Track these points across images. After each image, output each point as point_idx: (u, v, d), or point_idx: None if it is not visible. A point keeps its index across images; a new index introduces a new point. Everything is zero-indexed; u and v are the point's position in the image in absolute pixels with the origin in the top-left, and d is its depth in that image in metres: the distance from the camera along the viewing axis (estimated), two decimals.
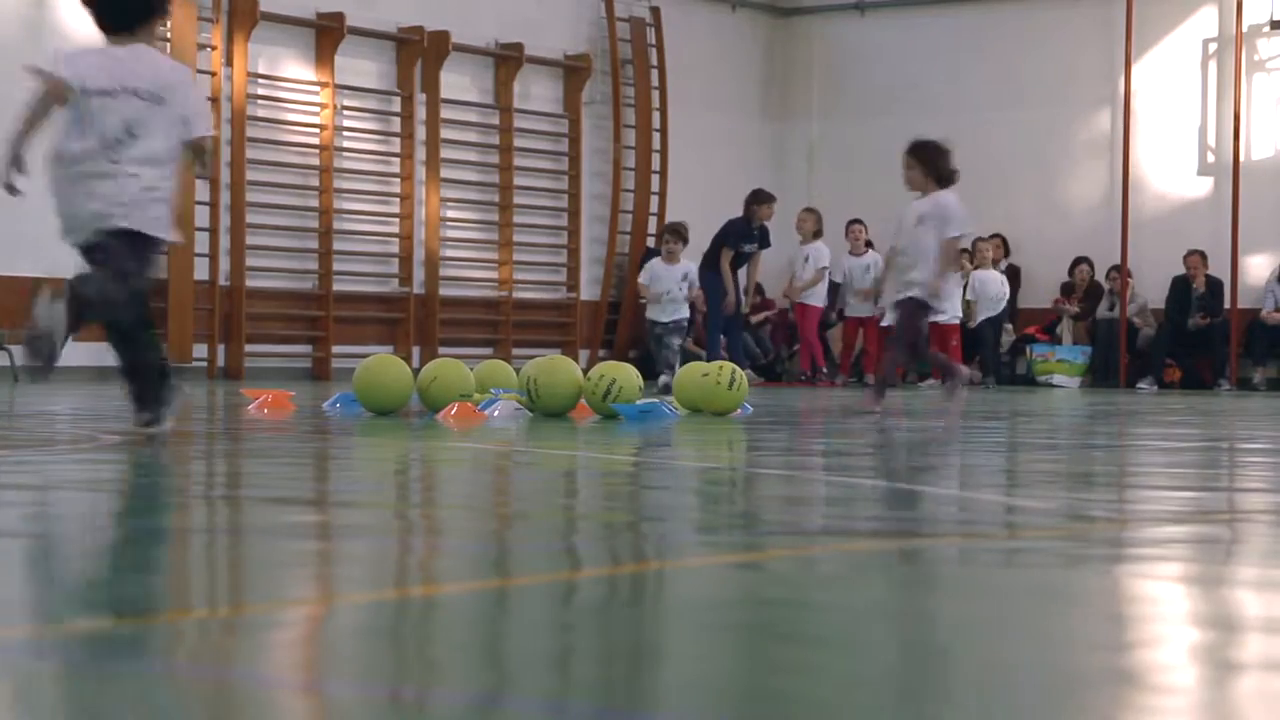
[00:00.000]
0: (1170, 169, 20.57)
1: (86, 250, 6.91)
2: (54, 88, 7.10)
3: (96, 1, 7.14)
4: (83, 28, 17.32)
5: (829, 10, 22.55)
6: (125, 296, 6.86)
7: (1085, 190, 21.04)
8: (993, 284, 19.34)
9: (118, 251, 6.80)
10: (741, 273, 18.26)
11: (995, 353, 19.61)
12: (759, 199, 18.11)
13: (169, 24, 16.93)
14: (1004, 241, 20.33)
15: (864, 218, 20.14)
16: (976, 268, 19.51)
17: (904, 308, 10.93)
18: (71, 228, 7.01)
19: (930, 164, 10.83)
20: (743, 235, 17.98)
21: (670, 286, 14.50)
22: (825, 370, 19.45)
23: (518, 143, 19.81)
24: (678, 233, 14.99)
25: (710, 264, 18.07)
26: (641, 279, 15.01)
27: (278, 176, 17.94)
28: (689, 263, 14.91)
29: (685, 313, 14.67)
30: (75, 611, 3.10)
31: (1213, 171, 20.37)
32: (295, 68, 18.11)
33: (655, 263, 14.91)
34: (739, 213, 18.19)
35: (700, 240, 18.92)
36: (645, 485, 6.09)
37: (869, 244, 20.03)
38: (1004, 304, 19.47)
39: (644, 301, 15.09)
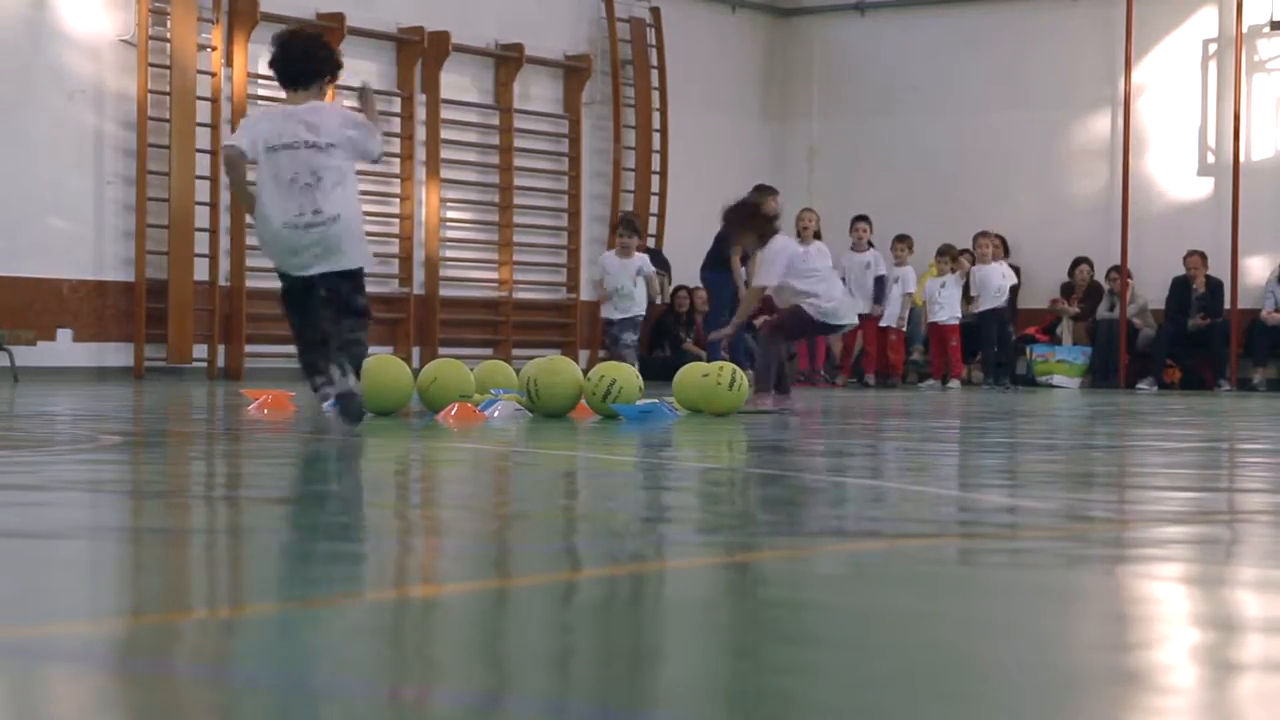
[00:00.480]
0: (1170, 169, 20.57)
1: (307, 281, 8.11)
2: (230, 158, 8.28)
3: (277, 66, 8.30)
4: (80, 27, 17.33)
5: (829, 10, 22.55)
6: (364, 326, 8.23)
7: (1085, 191, 21.04)
8: (993, 277, 19.23)
9: (344, 290, 8.10)
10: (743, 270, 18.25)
11: (1006, 350, 19.41)
12: (763, 193, 18.03)
13: (169, 25, 16.93)
14: (1004, 242, 20.31)
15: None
16: (975, 264, 19.46)
17: (794, 310, 11.37)
18: (286, 267, 8.19)
19: (754, 227, 11.42)
20: None
21: (624, 281, 13.80)
22: (824, 371, 19.45)
23: (518, 143, 19.81)
24: (631, 225, 14.20)
25: (715, 263, 18.07)
26: (595, 276, 14.35)
27: None
28: (643, 256, 14.20)
29: (641, 309, 13.96)
30: (75, 612, 3.10)
31: (1213, 172, 20.36)
32: None
33: (608, 257, 14.29)
34: None
35: (699, 240, 18.94)
36: (645, 485, 6.09)
37: (870, 243, 20.03)
38: (1005, 295, 19.31)
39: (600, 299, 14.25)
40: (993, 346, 19.30)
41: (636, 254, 14.05)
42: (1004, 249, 20.31)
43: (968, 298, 19.57)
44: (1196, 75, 20.48)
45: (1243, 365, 19.64)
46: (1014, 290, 19.84)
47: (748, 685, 2.49)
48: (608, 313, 13.96)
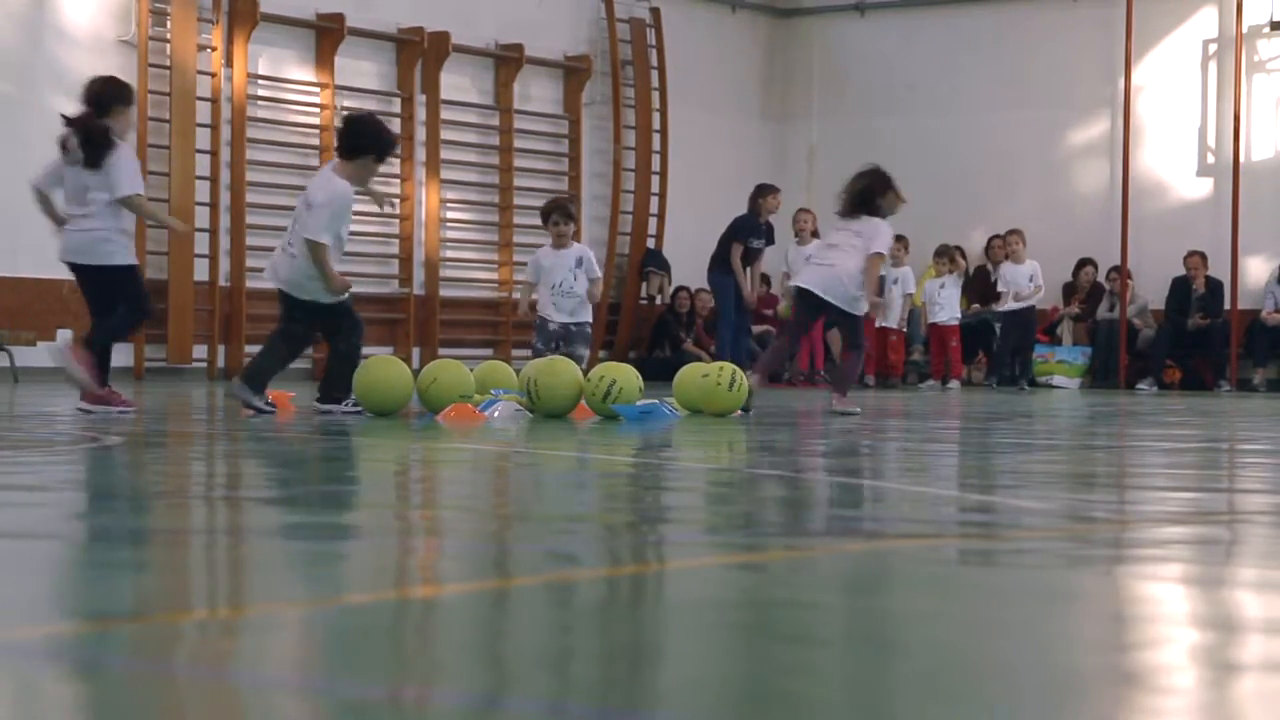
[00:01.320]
0: (1170, 169, 20.57)
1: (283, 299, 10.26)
2: None
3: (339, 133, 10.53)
4: (81, 27, 17.31)
5: (829, 11, 22.55)
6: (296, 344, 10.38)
7: (1085, 191, 21.03)
8: (1021, 276, 18.97)
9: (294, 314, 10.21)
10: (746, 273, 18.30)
11: (1028, 351, 19.07)
12: (764, 191, 18.09)
13: (169, 25, 16.92)
14: (1003, 242, 20.29)
15: None
16: (1006, 259, 19.26)
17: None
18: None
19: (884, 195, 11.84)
20: (752, 230, 17.96)
21: (564, 275, 11.84)
22: (824, 372, 19.43)
23: (518, 143, 19.81)
24: (565, 211, 12.21)
25: (719, 264, 18.13)
26: (528, 275, 12.20)
27: (278, 177, 17.94)
28: (582, 247, 12.41)
29: (588, 314, 11.97)
30: (75, 612, 3.10)
31: (1213, 172, 20.36)
32: (295, 69, 18.11)
33: (543, 250, 12.21)
34: (740, 212, 18.24)
35: (699, 240, 18.97)
36: (645, 486, 6.09)
37: None
38: (1037, 295, 18.93)
39: (524, 299, 12.37)
40: (1009, 346, 18.96)
41: (574, 244, 12.22)
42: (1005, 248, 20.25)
43: (995, 294, 19.38)
44: (1196, 75, 20.48)
45: (1243, 365, 19.64)
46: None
47: (748, 685, 2.49)
48: (545, 311, 11.91)
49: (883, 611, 3.19)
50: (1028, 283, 18.88)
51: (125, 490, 5.73)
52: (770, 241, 18.20)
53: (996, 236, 20.47)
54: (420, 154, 18.91)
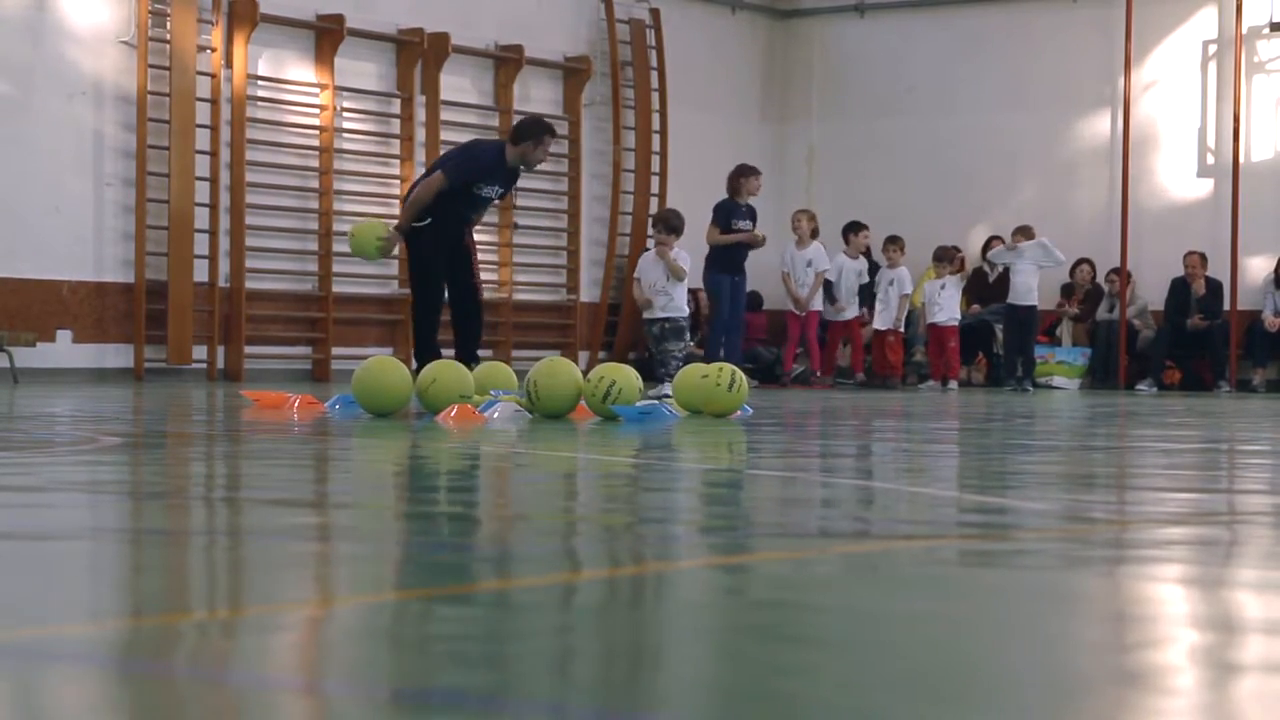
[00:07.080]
0: (1170, 170, 20.57)
1: None
2: None
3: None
4: (81, 28, 17.28)
5: (829, 12, 22.55)
6: None
7: (1085, 192, 21.03)
8: (1035, 249, 18.78)
9: None
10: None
11: (1028, 351, 18.88)
12: (745, 172, 17.51)
13: (169, 25, 16.93)
14: (1004, 243, 20.29)
15: (864, 219, 20.13)
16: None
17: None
18: None
19: None
20: (731, 212, 17.41)
21: (657, 278, 13.37)
22: (819, 373, 19.41)
23: None
24: (667, 223, 13.64)
25: (711, 265, 17.98)
26: (635, 274, 13.95)
27: (278, 178, 17.95)
28: (678, 251, 13.55)
29: (677, 310, 13.38)
30: (75, 613, 3.10)
31: (1213, 173, 20.36)
32: (295, 69, 18.11)
33: (645, 257, 13.98)
34: None
35: (699, 240, 18.94)
36: (645, 487, 6.09)
37: (862, 251, 19.97)
38: (1033, 295, 18.77)
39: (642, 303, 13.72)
40: (1015, 346, 18.73)
41: (674, 250, 13.49)
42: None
43: (995, 294, 19.28)
44: (1196, 76, 20.48)
45: (1242, 366, 19.64)
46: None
47: (748, 686, 2.49)
48: (648, 312, 13.49)
49: (882, 612, 3.19)
50: (1028, 279, 18.58)
51: (124, 491, 5.73)
52: (754, 221, 17.70)
53: (996, 237, 20.47)
54: (420, 155, 18.89)
